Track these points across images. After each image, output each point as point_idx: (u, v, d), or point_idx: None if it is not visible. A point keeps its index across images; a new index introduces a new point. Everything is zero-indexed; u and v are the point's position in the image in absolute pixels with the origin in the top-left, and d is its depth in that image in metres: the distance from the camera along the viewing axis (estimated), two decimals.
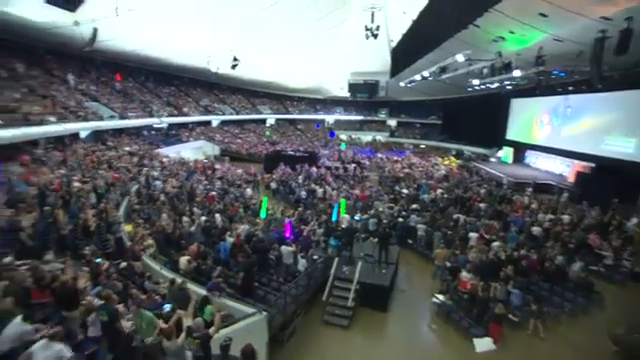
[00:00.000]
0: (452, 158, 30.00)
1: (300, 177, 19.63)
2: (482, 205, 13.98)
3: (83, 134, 19.69)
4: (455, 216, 12.89)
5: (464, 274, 8.83)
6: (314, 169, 21.07)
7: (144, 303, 6.45)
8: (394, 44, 25.41)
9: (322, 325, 8.21)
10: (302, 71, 35.18)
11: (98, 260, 7.22)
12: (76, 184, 11.51)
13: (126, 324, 5.51)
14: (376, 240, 9.97)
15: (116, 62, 26.74)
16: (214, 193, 14.62)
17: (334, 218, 12.38)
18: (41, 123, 15.81)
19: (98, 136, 20.60)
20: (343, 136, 42.24)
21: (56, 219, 8.42)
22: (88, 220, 8.89)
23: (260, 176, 21.30)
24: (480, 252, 9.66)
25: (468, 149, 32.35)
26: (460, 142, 34.00)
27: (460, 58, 15.26)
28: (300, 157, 23.80)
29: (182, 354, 4.85)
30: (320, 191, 16.83)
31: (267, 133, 38.77)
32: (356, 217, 12.55)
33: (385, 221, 12.40)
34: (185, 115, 30.71)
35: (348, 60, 34.45)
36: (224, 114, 36.23)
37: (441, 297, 8.82)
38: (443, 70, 17.94)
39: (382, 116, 44.17)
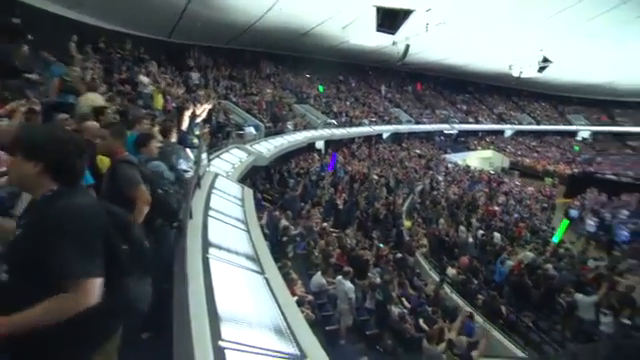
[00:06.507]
0: None
1: (624, 211, 14.58)
2: None
3: (385, 135, 23.13)
4: None
5: None
6: None
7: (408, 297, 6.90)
8: None
9: None
10: None
11: (380, 245, 8.33)
12: (374, 176, 13.75)
13: (394, 309, 6.06)
14: None
15: (419, 72, 29.43)
16: (497, 208, 13.48)
17: None
18: (359, 125, 20.11)
19: (396, 138, 23.63)
20: None
21: (358, 202, 10.40)
22: (379, 209, 10.39)
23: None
24: None
25: None
26: None
27: None
28: (626, 184, 17.68)
29: None
30: None
31: (575, 148, 31.49)
32: None
33: None
34: (476, 123, 29.96)
35: None
36: (520, 123, 32.53)
37: None
38: None
39: None
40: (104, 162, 2.45)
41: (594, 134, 33.68)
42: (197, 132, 5.16)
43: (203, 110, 5.37)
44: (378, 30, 16.48)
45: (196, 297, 1.80)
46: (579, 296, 6.99)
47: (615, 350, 4.52)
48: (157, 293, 2.13)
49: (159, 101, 7.82)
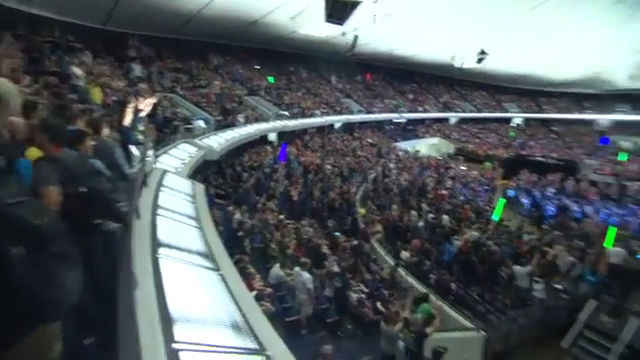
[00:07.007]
0: None
1: (551, 189, 16.23)
2: None
3: (337, 125, 23.27)
4: None
5: None
6: (570, 182, 16.95)
7: (366, 282, 7.15)
8: None
9: None
10: (571, 58, 28.19)
11: (336, 233, 8.51)
12: (328, 167, 13.91)
13: (352, 295, 6.25)
14: None
15: (368, 63, 29.95)
16: (445, 192, 14.29)
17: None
18: (311, 116, 20.23)
19: (348, 127, 23.92)
20: (625, 143, 31.29)
21: (312, 193, 10.48)
22: (334, 199, 10.56)
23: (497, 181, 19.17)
24: None
25: None
26: None
27: None
28: (552, 165, 19.63)
29: (395, 342, 5.02)
30: (576, 210, 13.37)
31: (511, 134, 34.14)
32: None
33: None
34: (423, 111, 31.29)
35: None
36: (463, 111, 34.57)
37: None
38: None
39: None
40: (31, 158, 2.25)
41: (526, 120, 36.84)
42: (141, 128, 4.87)
43: (147, 104, 5.06)
44: (327, 21, 16.51)
45: (145, 299, 1.72)
46: (516, 267, 7.74)
47: (545, 311, 5.15)
48: (104, 296, 2.03)
49: (96, 95, 7.24)
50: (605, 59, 27.86)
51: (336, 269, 6.26)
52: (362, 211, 11.02)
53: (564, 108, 37.18)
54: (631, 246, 9.47)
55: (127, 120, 4.47)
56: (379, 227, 9.95)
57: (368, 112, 26.25)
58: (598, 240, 10.02)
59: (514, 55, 27.59)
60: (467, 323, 6.36)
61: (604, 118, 34.64)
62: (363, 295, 6.44)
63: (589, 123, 35.46)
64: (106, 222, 2.26)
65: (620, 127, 33.32)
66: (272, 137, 16.22)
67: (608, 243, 9.48)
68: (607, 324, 6.87)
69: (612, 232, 9.91)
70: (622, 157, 26.19)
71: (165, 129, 9.52)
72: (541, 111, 37.56)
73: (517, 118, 36.69)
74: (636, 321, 6.69)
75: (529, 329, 6.95)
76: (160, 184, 4.13)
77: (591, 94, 35.78)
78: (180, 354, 1.49)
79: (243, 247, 6.56)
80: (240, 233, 6.70)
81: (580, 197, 15.32)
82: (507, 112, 36.94)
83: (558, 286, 7.71)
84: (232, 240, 6.53)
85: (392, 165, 17.49)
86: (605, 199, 15.41)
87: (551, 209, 13.95)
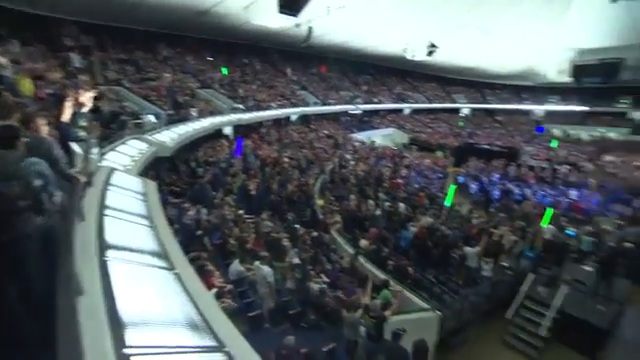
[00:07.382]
0: None
1: (496, 174, 17.47)
2: None
3: (293, 117, 23.06)
4: None
5: None
6: (512, 167, 18.37)
7: (326, 272, 7.27)
8: None
9: (501, 345, 7.32)
10: (510, 53, 30.28)
11: (296, 226, 8.54)
12: (285, 159, 13.85)
13: (314, 286, 6.33)
14: (593, 265, 7.87)
15: (323, 55, 29.96)
16: (400, 181, 14.80)
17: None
18: (267, 109, 19.87)
19: (304, 119, 23.87)
20: (556, 131, 34.61)
21: (270, 186, 10.41)
22: (292, 191, 10.55)
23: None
24: None
25: None
26: None
27: None
28: (496, 152, 21.14)
29: (357, 328, 5.19)
30: (518, 193, 14.52)
31: (460, 124, 36.00)
32: (568, 231, 10.15)
33: (612, 244, 9.49)
34: (378, 102, 31.94)
35: (576, 34, 26.61)
36: (416, 102, 35.73)
37: None
38: None
39: (622, 106, 32.91)
40: None
41: (473, 111, 39.11)
42: (83, 123, 4.53)
43: (89, 98, 4.70)
44: (280, 11, 16.29)
45: (91, 304, 1.64)
46: (467, 249, 8.29)
47: (492, 288, 5.60)
48: (37, 301, 1.90)
49: (27, 86, 6.58)
50: (538, 54, 30.38)
51: (296, 261, 6.30)
52: (321, 202, 11.11)
53: (506, 99, 39.93)
54: (560, 222, 10.58)
55: (66, 115, 4.14)
56: (338, 217, 10.08)
57: (324, 104, 26.31)
58: (535, 219, 11.04)
59: (460, 48, 28.97)
60: (424, 304, 6.73)
61: (539, 108, 37.81)
62: (324, 285, 6.54)
63: (527, 113, 38.59)
64: (25, 223, 2.08)
65: (552, 116, 36.74)
66: (227, 131, 15.80)
67: (545, 222, 10.49)
68: (542, 293, 7.70)
69: (549, 212, 10.94)
70: (553, 144, 29.11)
71: (112, 125, 8.93)
72: (486, 102, 39.98)
73: (465, 109, 38.79)
74: (565, 288, 7.55)
75: (479, 305, 7.54)
76: (107, 183, 3.92)
77: (528, 86, 38.72)
78: (132, 359, 1.44)
79: (203, 245, 6.40)
80: (199, 232, 6.50)
81: (521, 181, 16.66)
82: (456, 103, 38.91)
83: (504, 263, 8.44)
84: (189, 238, 6.34)
85: (349, 156, 17.79)
86: (540, 182, 16.91)
87: (496, 193, 15.05)
